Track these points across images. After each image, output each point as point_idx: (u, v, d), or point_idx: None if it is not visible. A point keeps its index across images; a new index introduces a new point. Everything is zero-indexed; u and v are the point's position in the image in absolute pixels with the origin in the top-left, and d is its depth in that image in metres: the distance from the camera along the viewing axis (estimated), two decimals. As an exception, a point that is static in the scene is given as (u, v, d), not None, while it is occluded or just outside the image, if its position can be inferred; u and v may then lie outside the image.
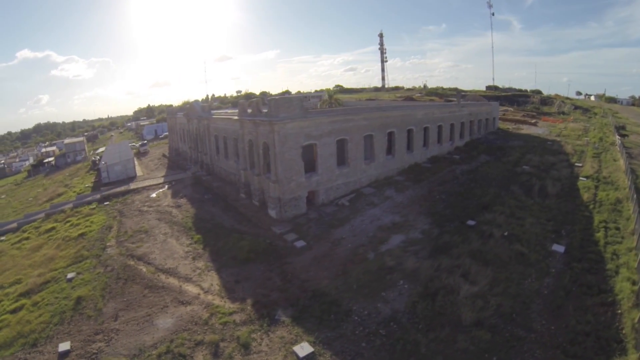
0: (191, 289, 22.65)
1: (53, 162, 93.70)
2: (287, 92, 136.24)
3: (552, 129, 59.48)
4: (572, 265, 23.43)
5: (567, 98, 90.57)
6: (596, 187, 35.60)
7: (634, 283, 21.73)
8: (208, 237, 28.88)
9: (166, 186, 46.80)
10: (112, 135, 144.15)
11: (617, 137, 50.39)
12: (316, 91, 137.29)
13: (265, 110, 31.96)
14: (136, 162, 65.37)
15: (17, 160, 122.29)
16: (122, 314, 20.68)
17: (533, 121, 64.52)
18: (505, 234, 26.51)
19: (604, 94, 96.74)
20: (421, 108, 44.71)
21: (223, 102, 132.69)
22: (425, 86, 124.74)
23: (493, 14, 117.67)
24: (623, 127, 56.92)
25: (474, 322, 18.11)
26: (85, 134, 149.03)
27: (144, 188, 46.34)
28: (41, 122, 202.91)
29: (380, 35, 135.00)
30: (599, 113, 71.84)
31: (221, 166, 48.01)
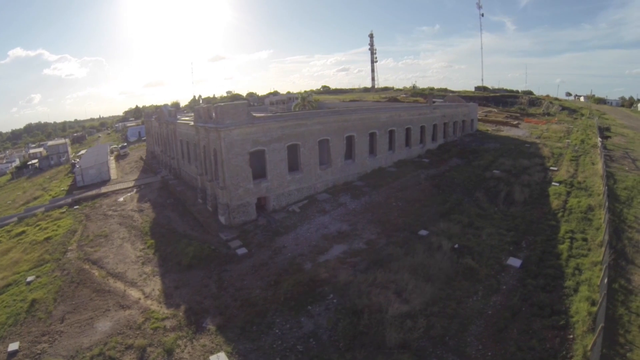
0: (134, 293, 22.89)
1: (37, 165, 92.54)
2: (276, 92, 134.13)
3: (533, 130, 57.29)
4: (526, 282, 21.41)
5: (556, 99, 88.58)
6: (568, 193, 33.33)
7: (593, 303, 19.51)
8: (160, 242, 28.79)
9: (134, 190, 46.50)
10: (99, 137, 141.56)
11: (599, 139, 48.15)
12: (305, 91, 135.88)
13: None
14: (113, 165, 65.41)
15: (4, 161, 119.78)
16: (69, 317, 21.16)
17: (515, 122, 62.33)
18: (456, 246, 24.54)
19: (593, 95, 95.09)
20: (385, 111, 42.90)
21: (208, 102, 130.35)
22: (414, 87, 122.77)
23: (482, 15, 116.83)
24: (608, 129, 54.69)
25: (399, 344, 16.60)
26: (75, 134, 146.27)
27: (113, 192, 46.09)
28: (32, 122, 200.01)
29: (371, 36, 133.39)
30: (586, 114, 69.77)
31: (186, 170, 47.36)
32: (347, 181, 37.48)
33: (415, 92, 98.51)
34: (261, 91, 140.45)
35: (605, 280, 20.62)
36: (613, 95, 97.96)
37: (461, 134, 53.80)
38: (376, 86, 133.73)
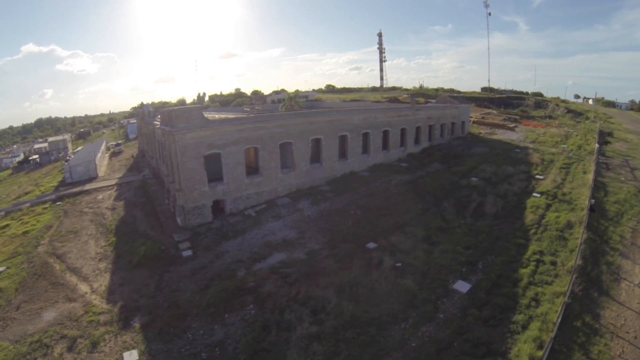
0: (83, 287, 23.55)
1: (38, 160, 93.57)
2: (282, 91, 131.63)
3: (529, 134, 53.77)
4: (468, 312, 18.82)
5: (564, 101, 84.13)
6: (548, 206, 30.30)
7: (540, 346, 16.71)
8: (120, 240, 29.33)
9: (115, 188, 46.65)
10: (103, 133, 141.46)
11: (597, 145, 44.63)
12: (313, 90, 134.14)
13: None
14: (105, 163, 65.88)
15: (10, 156, 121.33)
16: (24, 305, 22.06)
17: (512, 125, 58.76)
18: (398, 264, 22.15)
19: (602, 98, 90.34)
20: (358, 112, 40.72)
21: (213, 100, 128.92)
22: (421, 87, 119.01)
23: (490, 14, 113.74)
24: (610, 134, 50.92)
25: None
26: (81, 130, 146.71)
27: (95, 189, 46.36)
28: (42, 117, 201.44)
29: (379, 35, 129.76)
30: (591, 118, 65.69)
31: (162, 170, 46.33)
32: (314, 185, 35.79)
33: (418, 93, 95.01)
34: (272, 89, 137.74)
35: (559, 319, 17.96)
36: (625, 98, 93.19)
37: (450, 137, 50.69)
38: (385, 86, 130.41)
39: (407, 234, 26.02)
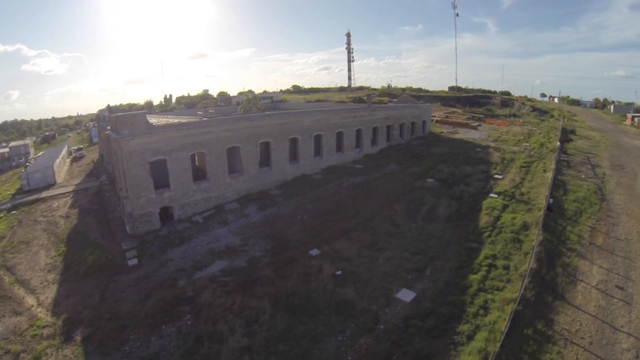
0: (30, 300, 22.97)
1: None
2: (250, 91, 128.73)
3: (492, 133, 53.21)
4: (411, 322, 17.32)
5: (529, 100, 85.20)
6: (505, 207, 29.00)
7: (485, 358, 15.00)
8: (70, 250, 28.58)
9: (71, 195, 44.90)
10: (69, 136, 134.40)
11: (559, 142, 44.13)
12: (281, 90, 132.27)
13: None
14: (65, 168, 63.39)
15: None
16: None
17: (475, 124, 58.25)
18: (338, 272, 20.62)
19: (567, 97, 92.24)
20: (309, 114, 39.37)
21: (179, 102, 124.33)
22: (389, 86, 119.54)
23: (457, 15, 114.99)
24: (573, 132, 50.89)
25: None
26: (47, 133, 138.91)
27: (52, 197, 44.42)
28: (8, 120, 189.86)
29: (348, 35, 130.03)
30: (555, 116, 66.10)
31: (115, 176, 43.46)
32: (263, 190, 34.49)
33: (384, 92, 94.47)
34: (241, 90, 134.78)
35: (507, 327, 16.27)
36: (590, 97, 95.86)
37: (410, 137, 49.44)
38: (352, 86, 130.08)
39: (353, 240, 24.50)
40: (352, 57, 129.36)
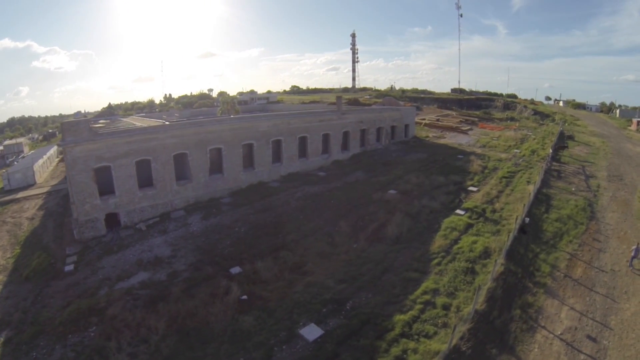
0: None
1: None
2: (252, 91, 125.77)
3: (482, 138, 47.59)
4: None
5: (532, 103, 78.36)
6: (469, 226, 24.04)
7: None
8: (24, 252, 27.51)
9: (44, 196, 43.34)
10: None
11: (552, 149, 38.48)
12: (285, 91, 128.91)
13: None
14: (50, 169, 61.63)
15: None
16: None
17: (466, 128, 52.61)
18: (244, 297, 17.79)
19: (572, 100, 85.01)
20: (266, 119, 35.33)
21: (177, 102, 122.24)
22: (392, 88, 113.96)
23: (461, 16, 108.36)
24: (571, 137, 44.91)
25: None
26: (49, 131, 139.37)
27: (26, 197, 42.95)
28: (15, 116, 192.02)
29: (353, 36, 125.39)
30: (556, 119, 59.66)
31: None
32: (215, 197, 31.57)
33: (380, 94, 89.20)
34: (252, 89, 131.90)
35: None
36: (598, 101, 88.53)
37: (389, 142, 44.44)
38: (357, 86, 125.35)
39: (279, 259, 20.87)
40: (357, 57, 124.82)
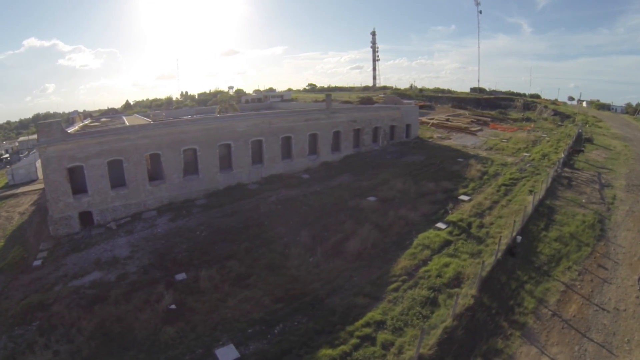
0: None
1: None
2: (270, 89, 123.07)
3: (491, 139, 42.15)
4: None
5: (553, 103, 70.54)
6: (446, 245, 19.94)
7: None
8: (6, 246, 26.59)
9: (40, 192, 42.23)
10: None
11: (564, 154, 33.02)
12: (305, 89, 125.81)
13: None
14: None
15: None
16: None
17: (475, 129, 47.09)
18: (172, 306, 16.18)
19: (596, 101, 76.05)
20: (244, 119, 32.33)
21: (192, 99, 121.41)
22: (411, 86, 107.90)
23: (480, 12, 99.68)
24: (589, 140, 38.85)
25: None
26: None
27: (24, 193, 42.54)
28: (40, 112, 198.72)
29: (373, 34, 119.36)
30: (577, 121, 52.72)
31: None
32: (190, 199, 29.59)
33: (395, 93, 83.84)
34: (276, 87, 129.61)
35: None
36: (624, 101, 78.73)
37: (387, 143, 40.07)
38: (377, 85, 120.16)
39: (225, 268, 18.43)
40: (377, 56, 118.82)
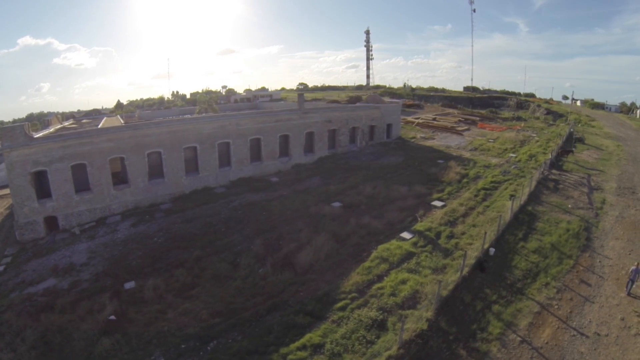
0: None
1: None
2: (263, 88, 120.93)
3: (477, 139, 39.57)
4: None
5: (547, 102, 67.69)
6: (408, 257, 17.56)
7: None
8: None
9: None
10: None
11: (551, 155, 30.48)
12: (282, 89, 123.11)
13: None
14: None
15: None
16: None
17: (462, 129, 44.46)
18: (112, 317, 15.19)
19: (590, 100, 73.17)
20: (210, 120, 30.46)
21: (182, 99, 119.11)
22: (405, 85, 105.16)
23: (474, 11, 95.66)
24: (580, 139, 36.25)
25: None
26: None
27: (2, 196, 40.18)
28: (34, 112, 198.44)
29: (367, 32, 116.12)
30: (569, 120, 49.90)
31: None
32: (155, 203, 28.40)
33: (387, 91, 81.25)
34: (271, 86, 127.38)
35: None
36: (619, 101, 76.20)
37: (365, 144, 37.63)
38: (371, 84, 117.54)
39: (172, 277, 17.02)
40: (371, 55, 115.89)
